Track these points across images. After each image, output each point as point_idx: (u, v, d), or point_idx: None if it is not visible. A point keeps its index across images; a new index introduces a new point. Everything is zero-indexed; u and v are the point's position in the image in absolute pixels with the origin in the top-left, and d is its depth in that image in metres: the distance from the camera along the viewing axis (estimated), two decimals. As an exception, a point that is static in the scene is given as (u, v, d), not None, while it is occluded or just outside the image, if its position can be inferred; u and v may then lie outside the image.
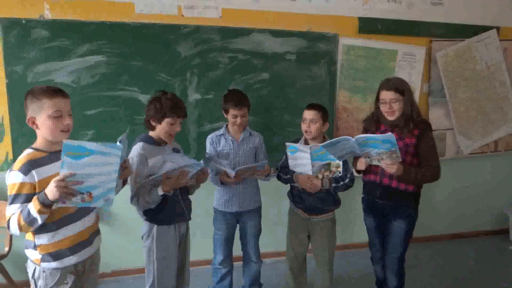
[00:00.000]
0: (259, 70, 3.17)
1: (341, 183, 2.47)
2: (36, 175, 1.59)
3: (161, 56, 2.94)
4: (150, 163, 2.10)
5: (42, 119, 1.62)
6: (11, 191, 1.57)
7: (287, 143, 2.44)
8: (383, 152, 2.16)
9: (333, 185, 2.45)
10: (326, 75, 3.33)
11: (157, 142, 2.19)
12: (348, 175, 2.48)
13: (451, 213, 4.05)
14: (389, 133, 2.05)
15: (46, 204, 1.49)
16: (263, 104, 3.19)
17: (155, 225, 2.18)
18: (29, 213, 1.51)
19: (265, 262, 3.01)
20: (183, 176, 2.05)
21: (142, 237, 2.24)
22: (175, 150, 2.28)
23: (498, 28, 3.68)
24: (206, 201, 2.77)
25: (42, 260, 1.69)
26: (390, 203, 2.41)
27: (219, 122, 2.97)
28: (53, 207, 1.54)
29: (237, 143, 2.62)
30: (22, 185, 1.56)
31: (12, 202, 1.57)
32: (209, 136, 2.68)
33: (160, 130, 2.16)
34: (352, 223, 3.68)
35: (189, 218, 2.34)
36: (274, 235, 3.40)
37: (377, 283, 2.75)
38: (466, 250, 3.87)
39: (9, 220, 1.56)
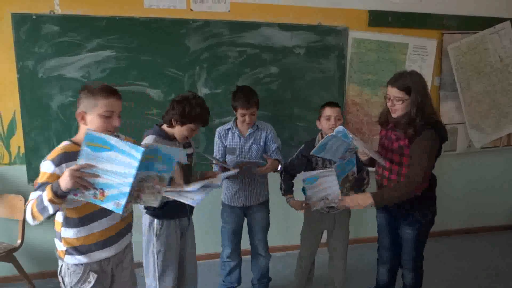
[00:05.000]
0: (268, 64, 3.15)
1: (365, 185, 2.57)
2: (66, 168, 1.55)
3: (170, 50, 2.95)
4: None
5: (93, 116, 1.63)
6: (40, 179, 1.58)
7: (302, 178, 2.39)
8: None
9: (362, 188, 2.55)
10: (336, 69, 3.31)
11: (169, 137, 2.16)
12: (365, 173, 2.56)
13: (463, 208, 4.00)
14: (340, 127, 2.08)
15: (58, 194, 1.46)
16: (272, 98, 3.18)
17: (156, 219, 2.18)
18: (42, 200, 1.49)
19: (274, 256, 3.01)
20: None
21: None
22: (186, 145, 2.27)
23: (511, 20, 3.61)
24: (215, 194, 2.77)
25: (66, 252, 1.69)
26: (395, 206, 2.28)
27: (228, 116, 2.97)
28: (67, 199, 1.51)
29: (244, 138, 2.62)
30: (51, 175, 1.56)
31: (36, 189, 1.57)
32: (218, 130, 2.68)
33: (178, 131, 2.13)
34: (364, 217, 3.66)
35: (191, 214, 2.34)
36: (283, 229, 3.40)
37: None
38: (479, 245, 3.83)
39: (27, 205, 1.57)
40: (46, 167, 1.58)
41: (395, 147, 2.21)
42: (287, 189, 2.62)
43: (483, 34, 3.57)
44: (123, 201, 1.52)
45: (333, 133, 2.12)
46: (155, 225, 2.19)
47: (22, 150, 2.85)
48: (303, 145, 2.63)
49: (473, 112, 3.69)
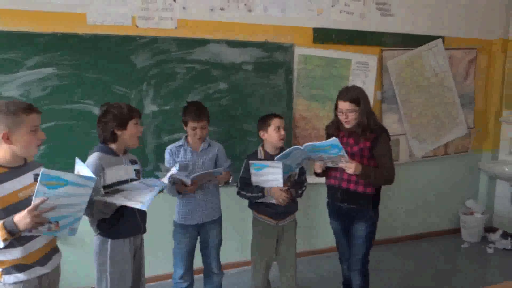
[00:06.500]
0: (218, 80, 3.17)
1: (303, 188, 2.67)
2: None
3: (116, 67, 2.89)
4: (107, 173, 2.04)
5: (21, 134, 1.63)
6: None
7: (250, 161, 2.50)
8: (333, 157, 2.28)
9: (299, 191, 2.63)
10: (284, 84, 3.39)
11: (114, 153, 2.14)
12: (304, 178, 2.69)
13: (407, 215, 4.20)
14: (333, 138, 2.17)
15: (14, 233, 1.48)
16: (223, 113, 3.20)
17: (109, 240, 2.12)
18: None
19: (227, 273, 2.99)
20: None
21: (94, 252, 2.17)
22: (132, 162, 2.23)
23: (442, 38, 3.89)
24: (166, 214, 2.73)
25: (4, 272, 1.64)
26: (351, 206, 2.49)
27: (178, 133, 2.95)
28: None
29: (196, 154, 2.61)
30: None
31: None
32: (168, 147, 2.65)
33: (127, 136, 2.13)
34: (316, 228, 3.73)
35: (144, 231, 2.29)
36: (235, 245, 3.39)
37: (344, 283, 2.83)
38: (422, 250, 4.02)
39: None
40: None
41: (356, 150, 2.43)
42: (258, 190, 2.55)
43: (418, 51, 3.81)
44: (77, 225, 1.65)
45: (299, 146, 2.28)
46: (108, 246, 2.11)
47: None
48: (246, 160, 2.64)
49: (414, 124, 3.91)
